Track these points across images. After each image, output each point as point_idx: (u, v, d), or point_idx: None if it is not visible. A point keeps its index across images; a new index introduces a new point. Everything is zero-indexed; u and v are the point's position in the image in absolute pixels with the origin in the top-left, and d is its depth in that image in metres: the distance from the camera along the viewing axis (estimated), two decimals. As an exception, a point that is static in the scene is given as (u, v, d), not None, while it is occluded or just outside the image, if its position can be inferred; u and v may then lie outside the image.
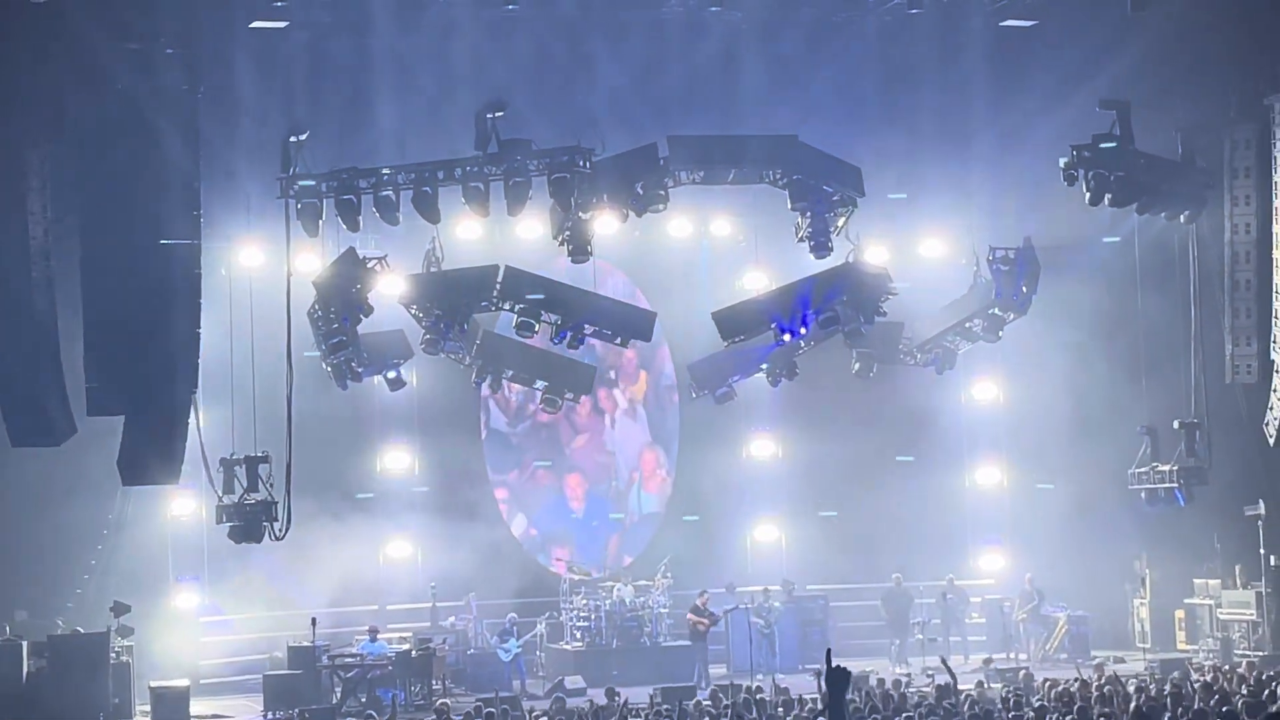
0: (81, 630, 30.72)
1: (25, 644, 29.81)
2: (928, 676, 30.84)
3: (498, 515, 38.68)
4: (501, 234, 34.64)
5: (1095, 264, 35.69)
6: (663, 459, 40.09)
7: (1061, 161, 31.10)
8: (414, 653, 32.86)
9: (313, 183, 29.38)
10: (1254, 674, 25.61)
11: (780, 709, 23.37)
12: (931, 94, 32.59)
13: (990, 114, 32.93)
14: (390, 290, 31.53)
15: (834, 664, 7.33)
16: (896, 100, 32.80)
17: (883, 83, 32.30)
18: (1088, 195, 31.21)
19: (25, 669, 29.50)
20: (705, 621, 34.80)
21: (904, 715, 21.24)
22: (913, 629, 36.11)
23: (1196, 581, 35.81)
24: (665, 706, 24.91)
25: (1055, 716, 21.02)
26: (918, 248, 37.26)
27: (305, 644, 32.40)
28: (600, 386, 37.54)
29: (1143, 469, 33.66)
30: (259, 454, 29.58)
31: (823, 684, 7.52)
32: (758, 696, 25.09)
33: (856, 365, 34.91)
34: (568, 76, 31.19)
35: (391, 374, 32.92)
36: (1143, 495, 33.73)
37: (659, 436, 40.18)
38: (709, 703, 25.17)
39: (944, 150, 33.60)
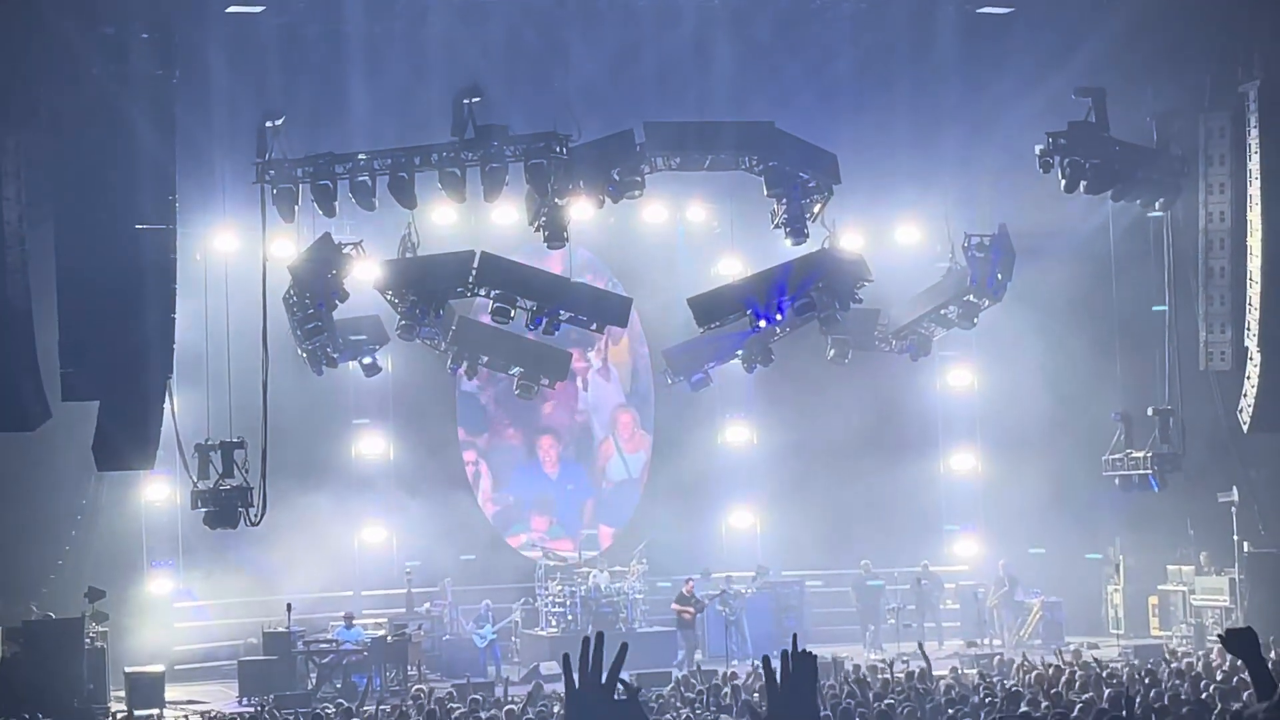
0: (55, 616, 30.64)
1: (-1, 630, 29.77)
2: (903, 662, 30.88)
3: (473, 500, 38.71)
4: (477, 220, 34.60)
5: (1070, 251, 35.73)
6: (638, 419, 40.11)
7: (1037, 149, 31.18)
8: (389, 638, 32.88)
9: (288, 167, 29.35)
10: (1227, 660, 25.69)
11: (756, 694, 23.40)
12: (905, 80, 32.58)
13: (964, 100, 32.95)
14: (366, 276, 31.51)
15: (801, 649, 7.24)
16: (870, 86, 32.81)
17: (856, 69, 32.30)
18: (1063, 182, 31.31)
19: (-1, 654, 29.46)
20: (690, 610, 34.80)
21: (883, 702, 21.27)
22: (886, 615, 36.18)
23: (1170, 568, 35.93)
24: (641, 691, 24.93)
25: (1029, 701, 21.07)
26: (893, 234, 37.33)
27: (280, 630, 32.43)
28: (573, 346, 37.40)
29: (1117, 455, 33.78)
30: (234, 439, 29.57)
31: (777, 666, 7.33)
32: (732, 683, 25.14)
33: (832, 351, 34.92)
34: (541, 63, 31.16)
35: (367, 359, 32.91)
36: (1117, 481, 33.84)
37: (634, 399, 40.20)
38: (675, 689, 25.21)
39: (918, 136, 33.62)
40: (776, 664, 7.27)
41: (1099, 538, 37.12)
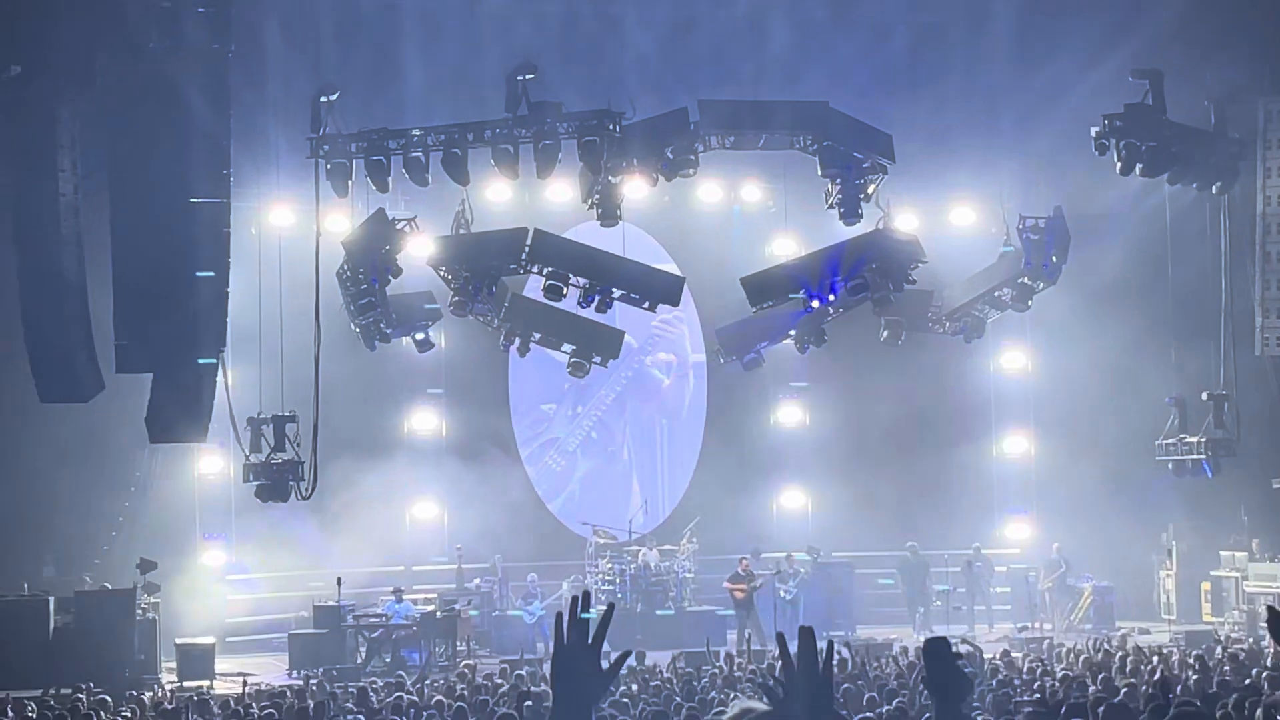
0: (108, 586, 30.84)
1: (52, 599, 29.94)
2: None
3: (524, 477, 38.76)
4: (531, 197, 34.63)
5: (1126, 234, 35.49)
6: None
7: (1093, 131, 30.97)
8: (439, 614, 32.96)
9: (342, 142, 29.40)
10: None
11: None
12: (961, 60, 32.47)
13: (1020, 81, 32.81)
14: (419, 251, 31.53)
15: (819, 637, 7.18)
16: (925, 66, 32.69)
17: (911, 48, 32.18)
18: (1119, 165, 31.09)
19: (52, 624, 29.63)
20: (743, 588, 34.68)
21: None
22: (935, 597, 36.09)
23: (1223, 553, 35.74)
24: (687, 670, 24.95)
25: (1078, 685, 20.99)
26: (948, 215, 37.21)
27: (331, 603, 32.53)
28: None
29: (1171, 440, 33.60)
30: (286, 413, 29.67)
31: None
32: (779, 663, 25.06)
33: (885, 333, 34.78)
34: (595, 39, 31.14)
35: (420, 335, 32.98)
36: (1170, 466, 33.68)
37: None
38: (725, 667, 25.22)
39: (974, 117, 33.48)
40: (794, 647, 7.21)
41: (1152, 523, 36.92)
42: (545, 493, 39.19)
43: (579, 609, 6.76)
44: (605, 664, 6.88)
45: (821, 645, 7.03)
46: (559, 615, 6.80)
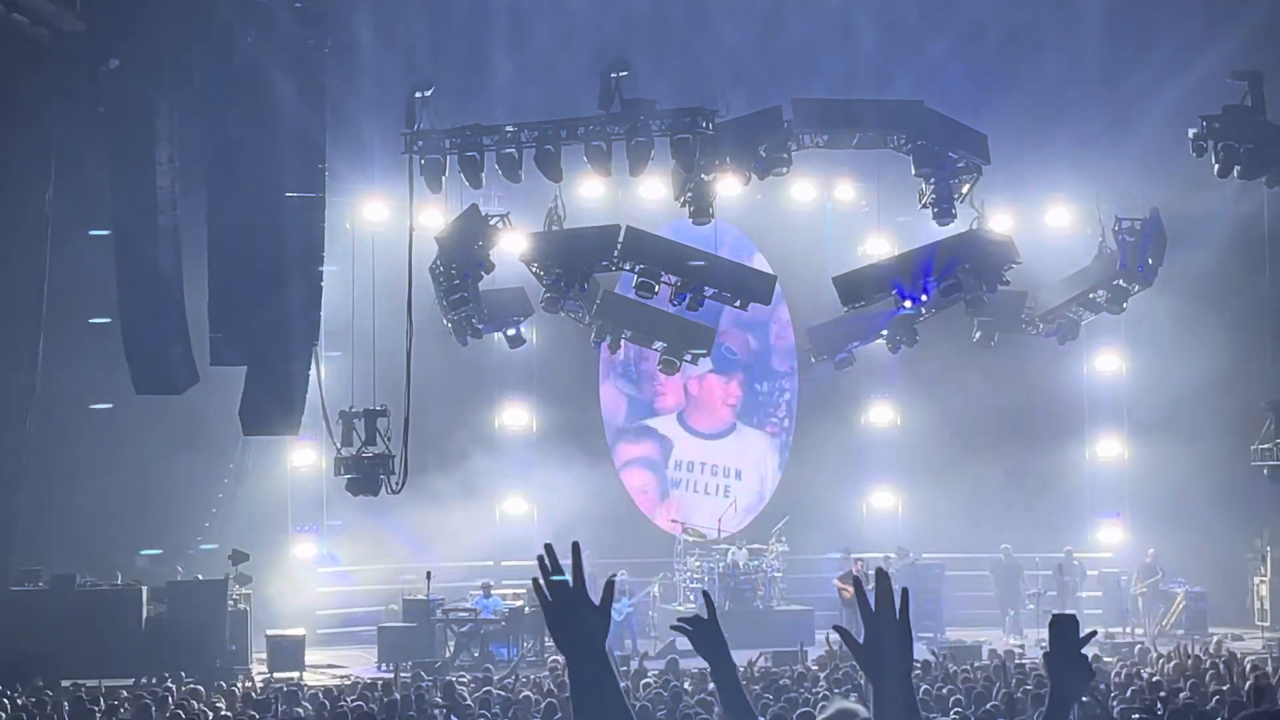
0: (199, 577, 31.09)
1: (145, 589, 30.23)
2: (1042, 648, 30.65)
3: (614, 474, 38.83)
4: (623, 194, 34.66)
5: (1222, 237, 35.12)
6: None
7: (1190, 132, 30.64)
8: (527, 609, 33.03)
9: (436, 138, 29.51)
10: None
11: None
12: (1054, 58, 32.26)
13: (1115, 79, 32.54)
14: (512, 248, 31.61)
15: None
16: (1018, 64, 32.50)
17: (1003, 46, 32.00)
18: (1216, 167, 30.71)
19: (145, 613, 29.92)
20: (850, 589, 34.56)
21: (1021, 689, 21.11)
22: (1026, 600, 35.87)
23: (1319, 560, 35.39)
24: (773, 670, 24.92)
25: (1168, 690, 20.82)
26: (1042, 216, 36.99)
27: (420, 597, 32.68)
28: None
29: (1266, 445, 33.19)
30: (378, 407, 29.80)
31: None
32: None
33: (978, 334, 34.60)
34: (686, 36, 31.14)
35: (511, 331, 33.06)
36: (1265, 471, 33.28)
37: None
38: (815, 667, 25.18)
39: (1068, 116, 33.26)
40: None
41: (1246, 528, 36.57)
42: (635, 489, 39.22)
43: (549, 570, 6.76)
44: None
45: (897, 589, 7.00)
46: (534, 581, 6.79)
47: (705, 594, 8.69)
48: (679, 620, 7.67)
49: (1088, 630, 7.27)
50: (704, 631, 7.61)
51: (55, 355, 29.70)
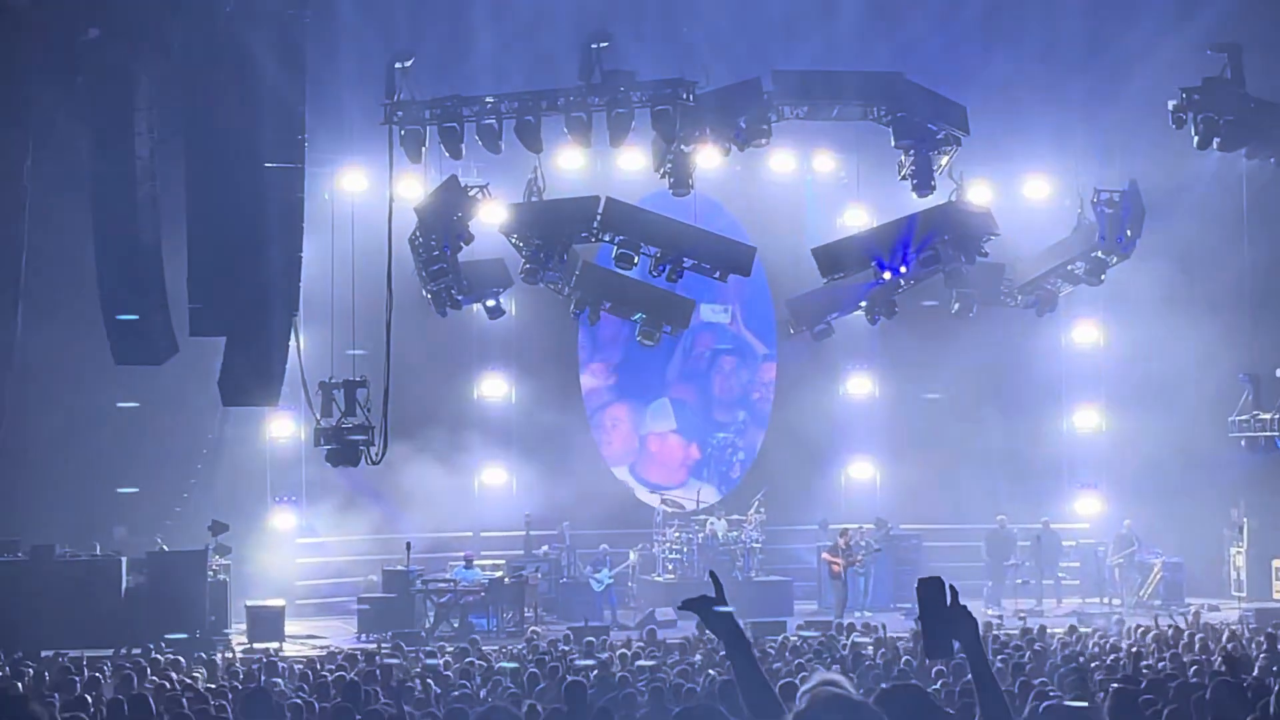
0: (166, 549, 31.04)
1: (124, 560, 30.21)
2: (1019, 618, 30.77)
3: (593, 445, 38.88)
4: (603, 165, 34.63)
5: (1201, 209, 35.19)
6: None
7: (1170, 104, 30.70)
8: (506, 580, 33.10)
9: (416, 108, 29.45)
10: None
11: (870, 647, 23.37)
12: (1035, 30, 32.29)
13: (1095, 52, 32.58)
14: (491, 219, 31.58)
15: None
16: (998, 37, 32.52)
17: (984, 18, 32.02)
18: (1196, 139, 30.78)
19: (124, 585, 29.91)
20: (839, 562, 34.64)
21: (998, 657, 21.19)
22: (1007, 571, 35.97)
23: (1295, 531, 35.52)
24: (753, 640, 24.98)
25: (1147, 661, 20.92)
26: (1021, 188, 37.04)
27: (400, 568, 32.73)
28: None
29: (1243, 416, 33.33)
30: (357, 378, 29.76)
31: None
32: (849, 635, 25.12)
33: (956, 305, 34.64)
34: (668, 7, 31.10)
35: (491, 302, 33.06)
36: (1243, 443, 33.42)
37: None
38: (795, 639, 25.25)
39: (1048, 89, 33.29)
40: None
41: (1223, 499, 36.72)
42: (613, 460, 39.26)
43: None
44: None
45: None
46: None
47: (713, 574, 8.85)
48: (686, 601, 7.93)
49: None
50: (714, 611, 7.87)
51: (33, 325, 29.58)
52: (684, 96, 29.42)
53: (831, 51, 31.77)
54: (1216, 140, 30.76)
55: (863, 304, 34.26)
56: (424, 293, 31.48)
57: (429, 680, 20.23)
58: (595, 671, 19.98)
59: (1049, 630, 26.24)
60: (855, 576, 35.45)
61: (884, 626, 26.95)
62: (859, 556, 34.94)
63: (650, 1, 31.05)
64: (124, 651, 25.33)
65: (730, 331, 40.34)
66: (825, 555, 35.11)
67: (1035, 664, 20.73)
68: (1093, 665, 20.58)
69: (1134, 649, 22.80)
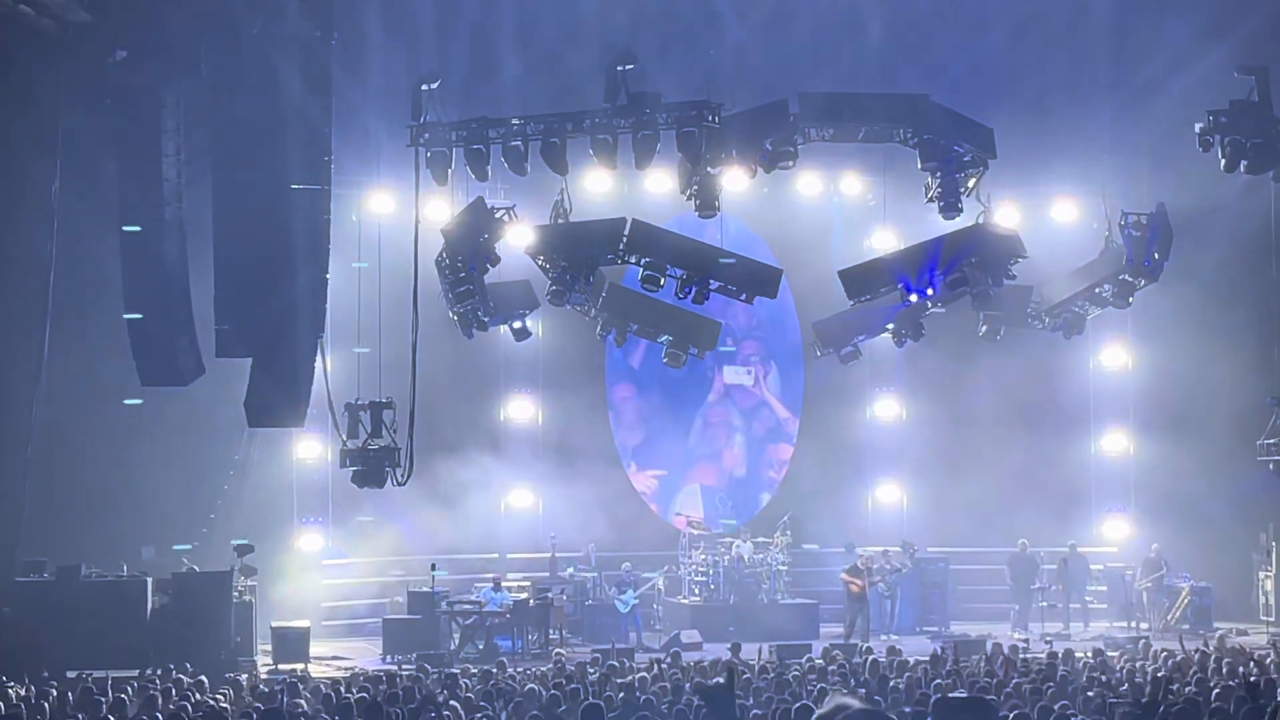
0: (195, 569, 31.07)
1: (150, 581, 30.21)
2: (1046, 642, 30.66)
3: (619, 466, 38.85)
4: (630, 187, 34.67)
5: (1229, 231, 35.06)
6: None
7: (1197, 127, 30.58)
8: (532, 602, 33.06)
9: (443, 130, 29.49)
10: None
11: (892, 671, 23.31)
12: (1061, 53, 32.27)
13: (1122, 74, 32.58)
14: (518, 240, 31.55)
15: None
16: (1026, 59, 32.50)
17: (1011, 40, 32.00)
18: (1223, 162, 30.64)
19: (149, 605, 29.89)
20: (858, 583, 34.59)
21: (1025, 681, 21.13)
22: (1034, 595, 35.85)
23: (1324, 556, 35.35)
24: (776, 664, 24.94)
25: (1174, 686, 20.83)
26: (1049, 210, 37.01)
27: (425, 590, 32.71)
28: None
29: (1272, 440, 33.12)
30: (384, 400, 29.75)
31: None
32: (869, 658, 25.06)
33: (984, 328, 34.58)
34: (694, 29, 31.13)
35: (517, 324, 33.00)
36: (1271, 467, 33.22)
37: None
38: (821, 661, 25.20)
39: (1075, 111, 33.25)
40: None
41: (1251, 523, 36.56)
42: (640, 483, 39.24)
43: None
44: None
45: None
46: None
47: (729, 666, 9.02)
48: (699, 686, 8.02)
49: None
50: (720, 702, 7.89)
51: (61, 346, 29.69)
52: (710, 118, 29.37)
53: (858, 73, 31.79)
54: (1244, 163, 30.62)
55: (890, 326, 34.24)
56: (450, 314, 31.48)
57: (453, 703, 20.21)
58: (621, 694, 19.96)
59: (1075, 654, 26.13)
60: (882, 599, 35.41)
61: (899, 651, 26.83)
62: (877, 579, 34.89)
63: (677, 24, 31.08)
64: (149, 672, 25.35)
65: (754, 395, 40.30)
66: (844, 575, 35.05)
67: (1058, 688, 20.66)
68: (1121, 689, 20.51)
69: (1160, 673, 22.70)
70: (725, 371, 39.68)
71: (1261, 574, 36.53)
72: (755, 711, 18.02)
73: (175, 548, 32.18)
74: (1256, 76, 30.47)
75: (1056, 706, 16.79)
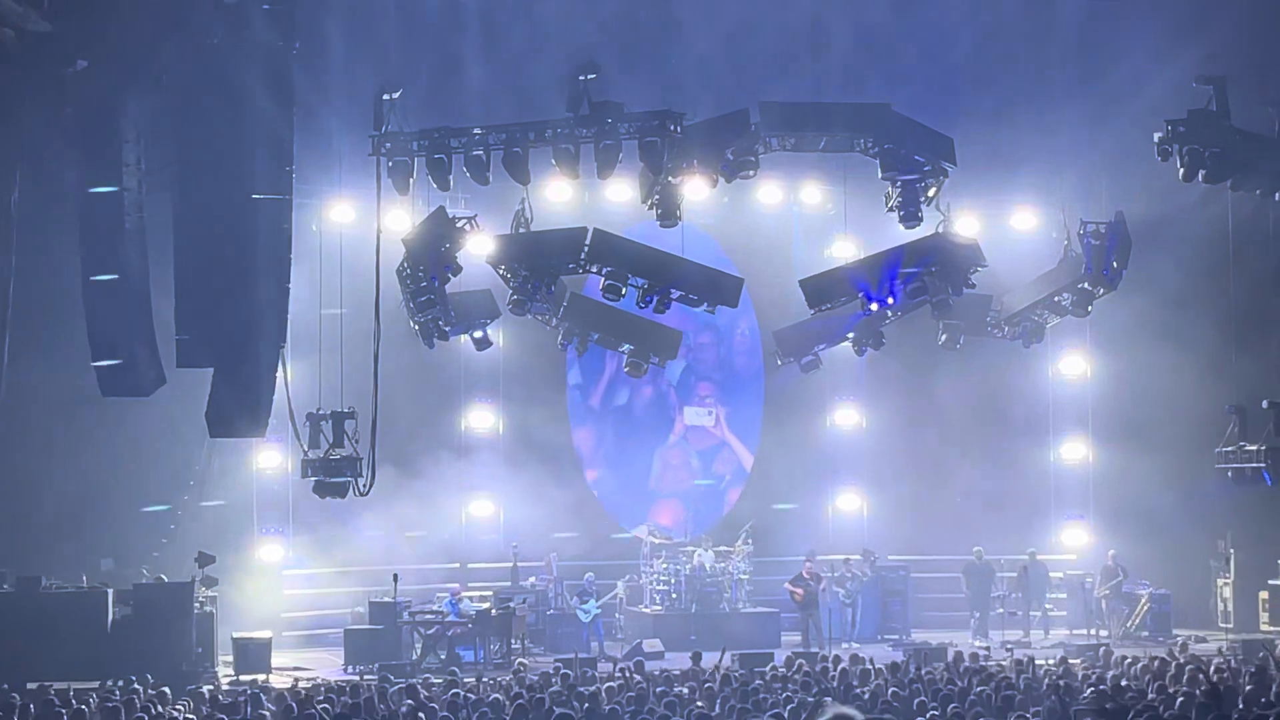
0: (164, 579, 31.00)
1: (111, 592, 30.10)
2: (1006, 650, 30.76)
3: (581, 476, 38.85)
4: (591, 197, 34.70)
5: (1187, 240, 35.23)
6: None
7: (1156, 136, 30.76)
8: (494, 612, 33.04)
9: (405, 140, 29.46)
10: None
11: (855, 679, 23.36)
12: (1023, 64, 32.41)
13: (1083, 85, 32.71)
14: (479, 250, 31.56)
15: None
16: (987, 69, 32.63)
17: (973, 51, 32.13)
18: (1181, 171, 30.80)
19: (110, 617, 29.78)
20: (800, 592, 34.63)
21: (982, 689, 21.20)
22: (994, 603, 35.95)
23: (1281, 563, 35.53)
24: (740, 672, 24.97)
25: (1133, 692, 20.93)
26: (1008, 220, 37.14)
27: (387, 600, 32.65)
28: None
29: (1230, 448, 33.23)
30: (345, 410, 29.73)
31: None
32: (838, 666, 25.11)
33: (943, 337, 34.71)
34: (656, 40, 31.17)
35: (478, 333, 33.01)
36: (1229, 474, 33.35)
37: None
38: (784, 669, 25.24)
39: (1036, 121, 33.37)
40: None
41: (1210, 531, 36.72)
42: (601, 492, 39.24)
43: None
44: None
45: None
46: None
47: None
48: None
49: None
50: None
51: (21, 356, 29.55)
52: (672, 128, 29.41)
53: (819, 83, 31.86)
54: (1202, 172, 30.78)
55: (850, 335, 34.31)
56: (412, 324, 31.46)
57: (419, 714, 20.19)
58: (586, 705, 19.97)
59: (1037, 662, 26.22)
60: (844, 607, 35.50)
61: (870, 660, 26.87)
62: (823, 585, 34.89)
63: (639, 34, 31.11)
64: (110, 684, 25.25)
65: (714, 435, 40.34)
66: (787, 585, 35.10)
67: (1024, 696, 20.73)
68: (1081, 696, 20.59)
69: (1121, 680, 22.81)
70: (686, 412, 39.83)
71: (1219, 581, 36.71)
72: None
73: (104, 561, 32.00)
74: (1215, 87, 30.63)
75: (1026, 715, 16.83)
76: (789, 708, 18.99)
